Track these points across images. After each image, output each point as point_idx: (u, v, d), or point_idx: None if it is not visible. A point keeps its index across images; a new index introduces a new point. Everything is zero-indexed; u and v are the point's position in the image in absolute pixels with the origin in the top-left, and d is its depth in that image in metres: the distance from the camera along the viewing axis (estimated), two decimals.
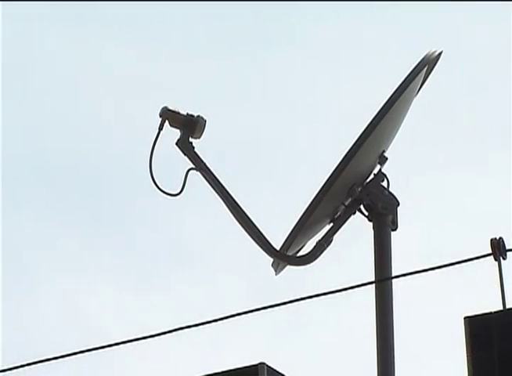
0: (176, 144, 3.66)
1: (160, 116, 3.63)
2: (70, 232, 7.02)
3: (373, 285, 3.72)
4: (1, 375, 3.64)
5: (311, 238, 3.90)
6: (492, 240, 3.36)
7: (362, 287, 3.67)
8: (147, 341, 3.32)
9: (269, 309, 3.44)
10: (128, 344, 3.58)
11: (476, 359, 3.83)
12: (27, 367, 3.58)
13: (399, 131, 3.81)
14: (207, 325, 3.56)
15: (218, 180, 3.72)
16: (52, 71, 8.04)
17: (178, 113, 3.60)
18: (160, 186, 3.60)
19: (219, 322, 3.55)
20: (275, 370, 4.34)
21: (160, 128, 3.64)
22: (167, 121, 3.62)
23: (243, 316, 3.65)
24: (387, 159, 3.75)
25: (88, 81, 7.84)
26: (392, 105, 3.56)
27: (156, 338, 3.50)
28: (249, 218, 3.75)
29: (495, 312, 3.97)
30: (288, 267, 3.82)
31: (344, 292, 3.54)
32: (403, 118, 3.80)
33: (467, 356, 3.76)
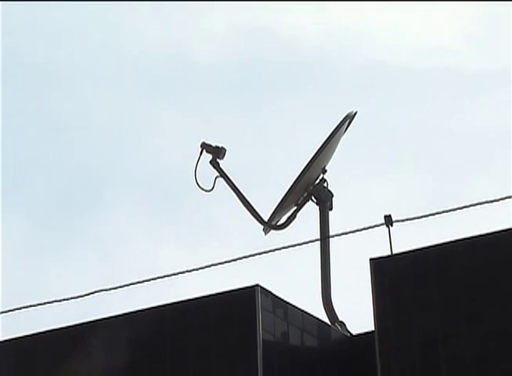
0: (210, 162, 6.80)
1: (201, 146, 6.71)
2: None
3: (319, 242, 6.69)
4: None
5: (284, 214, 7.06)
6: (385, 215, 6.17)
7: (316, 242, 6.60)
8: None
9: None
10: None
11: (378, 287, 6.46)
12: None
13: (333, 156, 6.93)
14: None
15: (231, 181, 6.80)
16: None
17: (211, 145, 6.66)
18: (200, 185, 6.70)
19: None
20: (268, 291, 6.64)
21: (201, 153, 6.73)
22: (204, 150, 6.68)
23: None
24: (326, 171, 6.91)
25: None
26: (329, 141, 6.67)
27: None
28: (250, 204, 6.86)
29: (391, 255, 6.67)
30: (272, 231, 7.08)
31: (304, 245, 6.44)
32: (335, 148, 6.90)
33: (371, 284, 6.44)
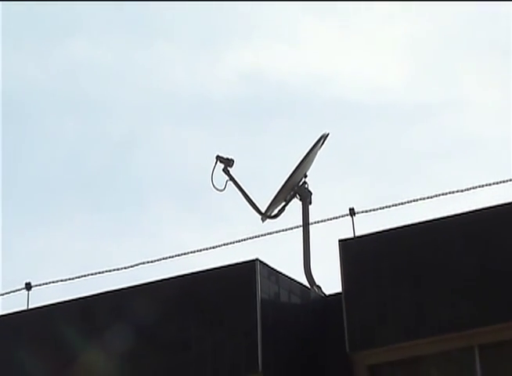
0: (222, 170, 8.68)
1: (216, 158, 8.59)
2: None
3: (302, 227, 8.75)
4: None
5: (276, 207, 9.01)
6: (349, 208, 8.25)
7: (299, 228, 8.73)
8: None
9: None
10: None
11: (345, 261, 8.08)
12: None
13: (312, 165, 8.83)
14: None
15: (238, 183, 8.75)
16: None
17: (223, 157, 8.55)
18: (215, 186, 8.64)
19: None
20: (265, 263, 8.31)
21: (216, 163, 8.62)
22: (218, 161, 8.61)
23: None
24: (307, 176, 8.77)
25: None
26: (308, 155, 8.54)
27: None
28: (251, 200, 8.86)
29: (354, 237, 8.33)
30: (267, 220, 9.04)
31: (291, 230, 8.67)
32: (313, 159, 8.75)
33: (339, 258, 8.05)
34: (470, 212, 8.39)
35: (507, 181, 7.87)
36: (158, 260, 8.75)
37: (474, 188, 8.44)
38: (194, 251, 8.72)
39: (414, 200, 8.25)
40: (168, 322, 8.82)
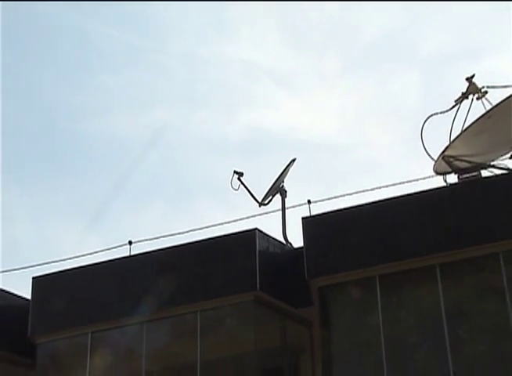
0: (237, 179, 13.86)
1: (234, 172, 13.84)
2: None
3: (281, 210, 14.34)
4: None
5: (267, 199, 14.38)
6: (308, 200, 14.14)
7: (279, 211, 14.42)
8: None
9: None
10: None
11: (306, 230, 12.52)
12: None
13: (286, 178, 14.28)
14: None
15: (245, 185, 14.25)
16: None
17: (237, 171, 13.90)
18: (233, 187, 14.10)
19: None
20: (261, 231, 12.43)
21: (233, 174, 13.88)
22: (235, 174, 13.89)
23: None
24: (283, 181, 14.24)
25: None
26: (284, 171, 14.22)
27: None
28: (253, 195, 14.40)
29: (310, 216, 13.21)
30: (262, 207, 14.37)
31: (275, 213, 14.32)
32: (287, 174, 14.25)
33: (302, 229, 12.72)
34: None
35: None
36: (186, 231, 13.91)
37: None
38: (222, 223, 13.63)
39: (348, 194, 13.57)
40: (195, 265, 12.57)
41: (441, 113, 12.65)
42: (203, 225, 13.36)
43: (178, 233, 13.32)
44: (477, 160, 12.86)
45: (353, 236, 12.28)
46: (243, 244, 12.37)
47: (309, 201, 13.30)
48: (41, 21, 25.18)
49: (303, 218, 12.52)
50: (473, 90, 12.46)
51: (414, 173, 16.12)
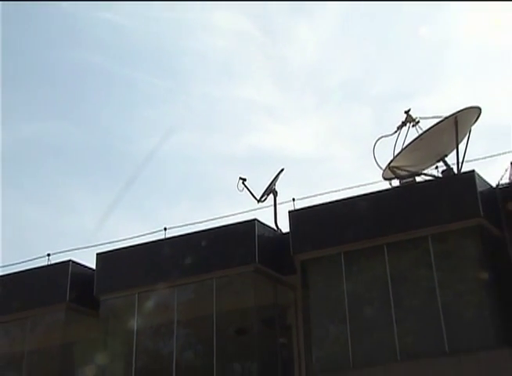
0: (242, 183, 18.06)
1: (239, 178, 18.17)
2: None
3: (273, 206, 18.96)
4: None
5: (264, 197, 18.84)
6: (292, 198, 18.77)
7: (272, 206, 19.01)
8: None
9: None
10: None
11: (292, 222, 16.37)
12: None
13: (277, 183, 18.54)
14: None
15: (248, 188, 18.81)
16: None
17: (241, 177, 18.34)
18: (238, 189, 18.52)
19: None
20: (259, 221, 16.64)
21: (239, 180, 18.17)
22: (241, 179, 18.27)
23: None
24: (275, 185, 18.79)
25: None
26: (275, 178, 18.74)
27: None
28: (253, 194, 18.99)
29: (295, 210, 17.51)
30: (260, 203, 18.83)
31: (269, 207, 19.03)
32: (278, 179, 18.59)
33: (289, 220, 16.75)
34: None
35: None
36: (205, 221, 18.64)
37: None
38: (230, 215, 17.38)
39: (319, 194, 18.43)
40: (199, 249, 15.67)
41: (387, 136, 16.80)
42: (217, 216, 17.28)
43: (199, 222, 17.08)
44: (413, 169, 16.94)
45: (325, 224, 15.65)
46: (246, 230, 15.88)
47: (294, 199, 17.27)
48: (103, 76, 36.66)
49: (289, 212, 16.05)
50: (409, 120, 16.91)
51: (368, 179, 18.54)
